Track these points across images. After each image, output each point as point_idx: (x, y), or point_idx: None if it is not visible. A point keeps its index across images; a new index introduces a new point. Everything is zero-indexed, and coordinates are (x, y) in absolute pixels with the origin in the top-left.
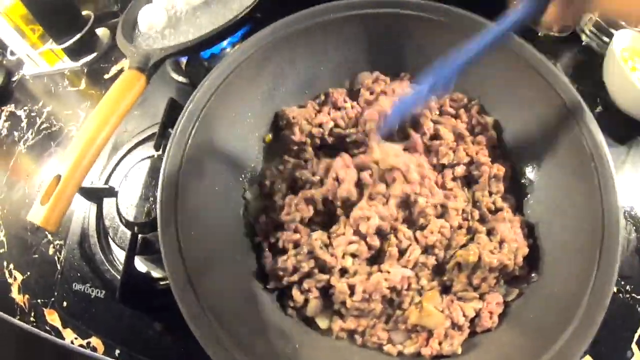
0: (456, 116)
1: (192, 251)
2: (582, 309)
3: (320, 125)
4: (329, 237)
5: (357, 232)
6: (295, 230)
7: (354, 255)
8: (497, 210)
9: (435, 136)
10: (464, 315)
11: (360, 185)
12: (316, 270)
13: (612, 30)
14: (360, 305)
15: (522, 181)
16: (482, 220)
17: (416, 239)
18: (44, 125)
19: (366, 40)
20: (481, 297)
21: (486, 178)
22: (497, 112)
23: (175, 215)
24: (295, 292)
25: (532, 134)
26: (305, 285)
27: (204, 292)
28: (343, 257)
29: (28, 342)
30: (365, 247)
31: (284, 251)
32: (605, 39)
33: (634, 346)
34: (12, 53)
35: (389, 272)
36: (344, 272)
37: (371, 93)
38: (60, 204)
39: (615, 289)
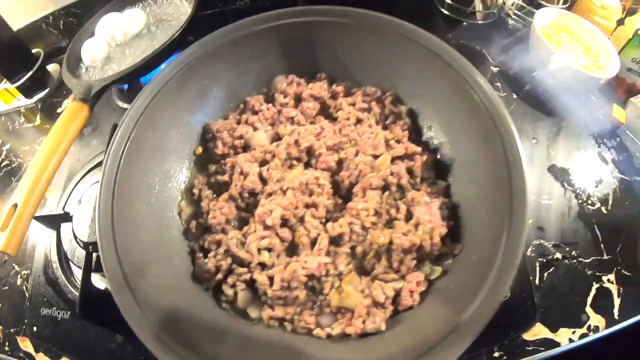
0: (369, 109)
1: (129, 256)
2: (494, 271)
3: (240, 137)
4: (244, 235)
5: (266, 227)
6: (223, 232)
7: (269, 249)
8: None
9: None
10: (384, 294)
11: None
12: (235, 266)
13: (534, 10)
14: (282, 294)
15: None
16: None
17: (325, 230)
18: (4, 163)
19: (281, 49)
20: (403, 277)
21: (420, 166)
22: (412, 101)
23: (113, 226)
24: (225, 287)
25: (442, 113)
26: (230, 280)
27: (143, 293)
28: (259, 252)
29: None
30: (277, 239)
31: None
32: (530, 19)
33: (588, 309)
34: None
35: (305, 261)
36: (264, 265)
37: (285, 96)
38: (18, 229)
39: (560, 256)
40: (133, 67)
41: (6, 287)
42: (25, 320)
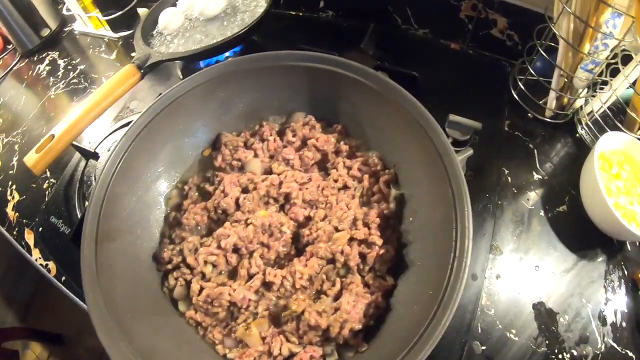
0: (360, 180)
1: (109, 220)
2: None
3: (239, 160)
4: (201, 244)
5: (219, 247)
6: (189, 232)
7: (214, 265)
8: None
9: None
10: (280, 351)
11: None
12: (182, 265)
13: (607, 129)
14: (203, 305)
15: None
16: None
17: (264, 272)
18: (74, 80)
19: (309, 89)
20: (304, 346)
21: (374, 256)
22: (407, 187)
23: (107, 188)
24: (170, 277)
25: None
26: (175, 274)
27: (106, 253)
28: (205, 264)
29: (7, 248)
30: (223, 260)
31: (173, 243)
32: (600, 135)
33: None
34: (68, 9)
35: (234, 290)
36: (204, 275)
37: (294, 135)
38: (48, 157)
39: None
40: (193, 52)
41: (34, 185)
42: (36, 219)
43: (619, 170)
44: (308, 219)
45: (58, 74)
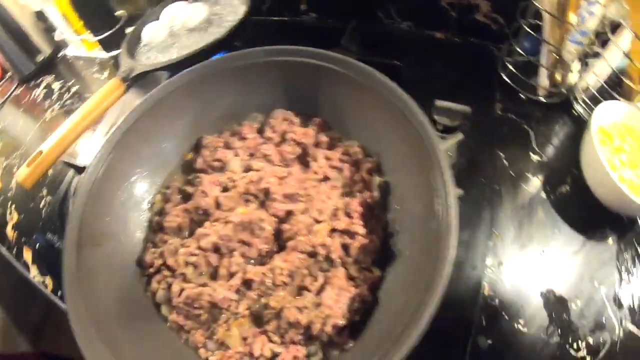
0: (341, 170)
1: (92, 225)
2: None
3: (219, 160)
4: (182, 245)
5: (199, 247)
6: (171, 235)
7: (195, 266)
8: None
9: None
10: (261, 351)
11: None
12: (164, 269)
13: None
14: (184, 307)
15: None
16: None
17: (244, 270)
18: (68, 102)
19: (285, 84)
20: (286, 345)
21: (357, 247)
22: (391, 174)
23: (89, 194)
24: (153, 281)
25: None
26: (157, 277)
27: (89, 259)
28: (186, 265)
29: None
30: (203, 260)
31: (156, 247)
32: None
33: None
34: (61, 33)
35: (215, 290)
36: (185, 276)
37: (273, 131)
38: (37, 171)
39: None
40: (174, 60)
41: (32, 205)
42: (34, 237)
43: (620, 143)
44: (289, 213)
45: (53, 97)
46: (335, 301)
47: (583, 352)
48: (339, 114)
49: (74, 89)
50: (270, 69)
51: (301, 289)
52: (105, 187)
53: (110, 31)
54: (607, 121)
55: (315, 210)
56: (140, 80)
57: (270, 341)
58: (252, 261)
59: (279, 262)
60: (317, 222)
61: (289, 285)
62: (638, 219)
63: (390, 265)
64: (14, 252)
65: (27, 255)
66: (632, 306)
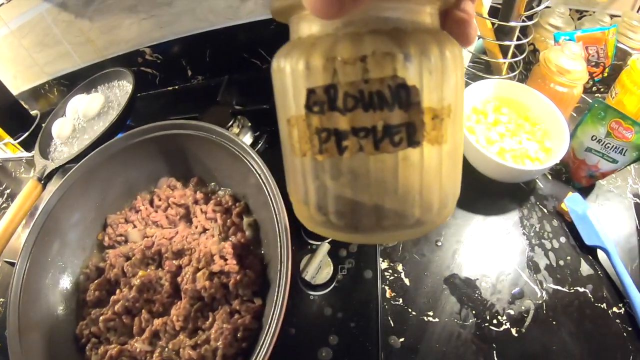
0: (215, 219)
1: (27, 313)
2: None
3: (122, 234)
4: (101, 314)
5: (114, 312)
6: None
7: (114, 329)
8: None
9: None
10: None
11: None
12: (91, 336)
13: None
14: None
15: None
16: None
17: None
18: (4, 205)
19: (163, 155)
20: None
21: (234, 283)
22: (259, 212)
23: (20, 286)
24: (86, 350)
25: None
26: (88, 346)
27: (30, 343)
28: (108, 330)
29: None
30: (120, 322)
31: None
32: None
33: None
34: None
35: (132, 345)
36: (108, 340)
37: (159, 199)
38: None
39: None
40: (77, 153)
41: None
42: None
43: (496, 117)
44: (179, 267)
45: None
46: (221, 334)
47: (506, 325)
48: (208, 170)
49: (7, 192)
50: (150, 144)
51: (197, 330)
52: (34, 278)
53: (27, 132)
54: (480, 99)
55: (195, 260)
56: (55, 175)
57: None
58: (160, 314)
59: (174, 310)
60: (199, 269)
61: (187, 328)
62: (537, 181)
63: (267, 293)
64: None
65: None
66: (550, 265)
